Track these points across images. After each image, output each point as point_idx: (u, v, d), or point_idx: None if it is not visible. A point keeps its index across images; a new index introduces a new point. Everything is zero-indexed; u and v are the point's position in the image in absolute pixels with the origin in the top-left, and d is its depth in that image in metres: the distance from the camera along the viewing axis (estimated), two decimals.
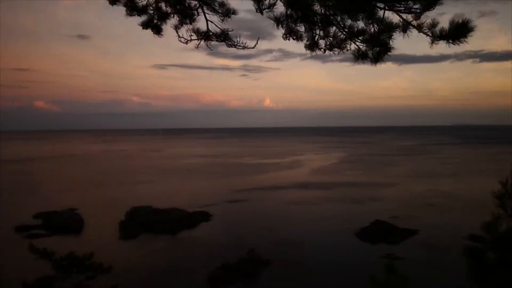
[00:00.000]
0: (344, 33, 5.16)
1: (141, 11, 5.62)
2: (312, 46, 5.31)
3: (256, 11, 5.08)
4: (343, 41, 5.25)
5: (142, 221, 28.29)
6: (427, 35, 4.41)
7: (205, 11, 5.59)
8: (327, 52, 5.34)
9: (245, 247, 22.27)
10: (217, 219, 30.96)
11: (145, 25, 5.70)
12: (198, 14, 5.61)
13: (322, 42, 5.30)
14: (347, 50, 5.27)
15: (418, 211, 32.53)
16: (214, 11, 5.49)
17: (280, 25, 5.10)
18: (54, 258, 6.82)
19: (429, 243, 23.82)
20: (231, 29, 5.63)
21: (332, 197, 38.98)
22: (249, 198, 39.07)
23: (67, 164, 78.21)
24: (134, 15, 5.57)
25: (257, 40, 5.36)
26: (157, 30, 5.74)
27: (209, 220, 30.66)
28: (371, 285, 4.52)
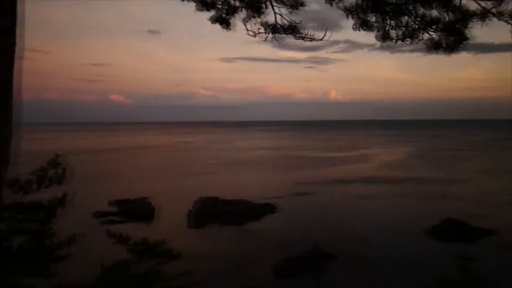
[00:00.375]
0: (417, 22, 4.97)
1: (210, 6, 5.75)
2: (383, 36, 5.17)
3: (326, 2, 5.02)
4: (416, 30, 5.07)
5: (209, 211, 29.10)
6: (509, 23, 4.14)
7: (273, 3, 5.61)
8: (398, 42, 5.17)
9: (311, 240, 22.21)
10: (283, 211, 31.13)
11: (214, 20, 5.83)
12: (266, 7, 5.65)
13: (393, 33, 5.14)
14: (420, 40, 5.08)
15: (493, 209, 30.67)
16: (283, 3, 5.50)
17: (350, 16, 5.01)
18: (129, 243, 7.21)
19: (505, 244, 22.41)
20: (299, 22, 5.61)
21: (400, 193, 37.76)
22: (315, 191, 38.86)
23: (139, 155, 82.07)
24: (203, 10, 5.71)
25: (325, 32, 5.30)
26: (226, 24, 5.85)
27: (274, 212, 30.89)
28: (443, 285, 4.35)
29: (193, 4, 5.59)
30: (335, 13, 4.98)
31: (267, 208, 31.31)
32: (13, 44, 3.65)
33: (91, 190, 39.49)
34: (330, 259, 20.26)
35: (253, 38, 5.79)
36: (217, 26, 5.83)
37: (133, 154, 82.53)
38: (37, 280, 6.87)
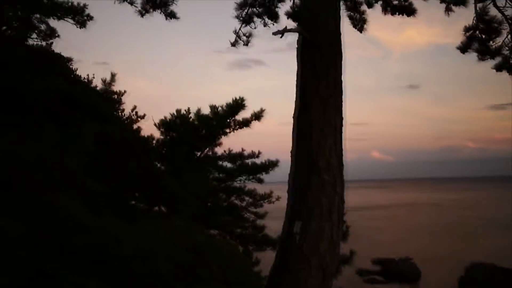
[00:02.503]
0: None
1: (494, 53, 5.61)
2: None
3: None
4: None
5: (483, 280, 25.80)
6: None
7: None
8: None
9: None
10: None
11: (498, 67, 5.62)
12: None
13: None
14: None
15: None
16: None
17: None
18: None
19: None
20: None
21: None
22: None
23: (403, 212, 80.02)
24: (486, 59, 5.61)
25: None
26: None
27: None
28: None
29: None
30: None
31: None
32: (342, 119, 4.57)
33: (355, 246, 40.39)
34: None
35: None
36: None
37: (397, 212, 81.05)
38: None
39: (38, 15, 13.33)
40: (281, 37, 4.26)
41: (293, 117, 4.67)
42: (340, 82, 4.64)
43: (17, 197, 5.04)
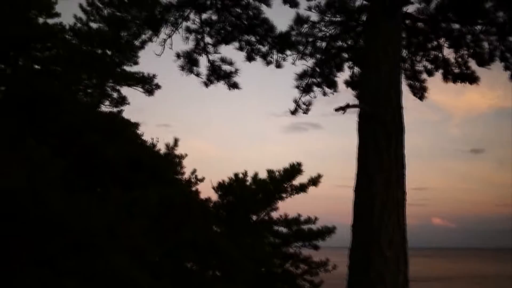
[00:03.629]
0: None
1: None
2: None
3: None
4: None
5: None
6: None
7: None
8: None
9: None
10: None
11: None
12: None
13: None
14: None
15: None
16: None
17: None
18: None
19: None
20: None
21: None
22: None
23: (465, 286, 74.16)
24: None
25: None
26: None
27: None
28: None
29: None
30: None
31: None
32: (404, 193, 4.57)
33: None
34: None
35: None
36: None
37: (459, 285, 75.22)
38: None
39: (111, 84, 14.47)
40: (343, 113, 4.34)
41: (354, 190, 4.64)
42: (402, 156, 4.60)
43: (84, 261, 5.26)
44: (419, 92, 8.95)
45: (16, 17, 13.06)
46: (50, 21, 15.46)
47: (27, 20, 14.04)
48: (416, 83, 8.95)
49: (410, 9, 6.91)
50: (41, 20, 15.16)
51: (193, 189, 13.90)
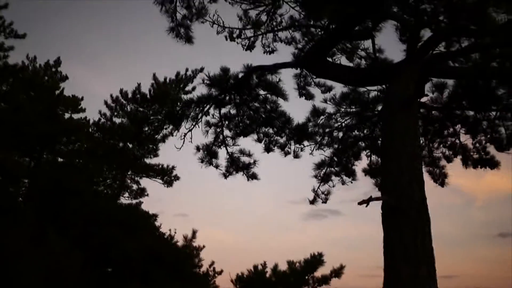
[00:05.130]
0: None
1: None
2: None
3: None
4: None
5: None
6: None
7: None
8: None
9: None
10: None
11: None
12: None
13: None
14: None
15: None
16: None
17: None
18: None
19: None
20: None
21: None
22: None
23: None
24: None
25: None
26: None
27: None
28: None
29: None
30: None
31: None
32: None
33: None
34: None
35: None
36: None
37: None
38: None
39: (131, 174, 14.67)
40: (366, 206, 4.27)
41: (383, 286, 4.43)
42: (430, 249, 4.42)
43: None
44: (440, 178, 8.82)
45: (45, 114, 13.72)
46: (76, 115, 16.18)
47: (54, 115, 14.71)
48: (436, 170, 8.85)
49: (424, 98, 7.03)
50: (67, 115, 15.88)
51: (212, 282, 13.42)
